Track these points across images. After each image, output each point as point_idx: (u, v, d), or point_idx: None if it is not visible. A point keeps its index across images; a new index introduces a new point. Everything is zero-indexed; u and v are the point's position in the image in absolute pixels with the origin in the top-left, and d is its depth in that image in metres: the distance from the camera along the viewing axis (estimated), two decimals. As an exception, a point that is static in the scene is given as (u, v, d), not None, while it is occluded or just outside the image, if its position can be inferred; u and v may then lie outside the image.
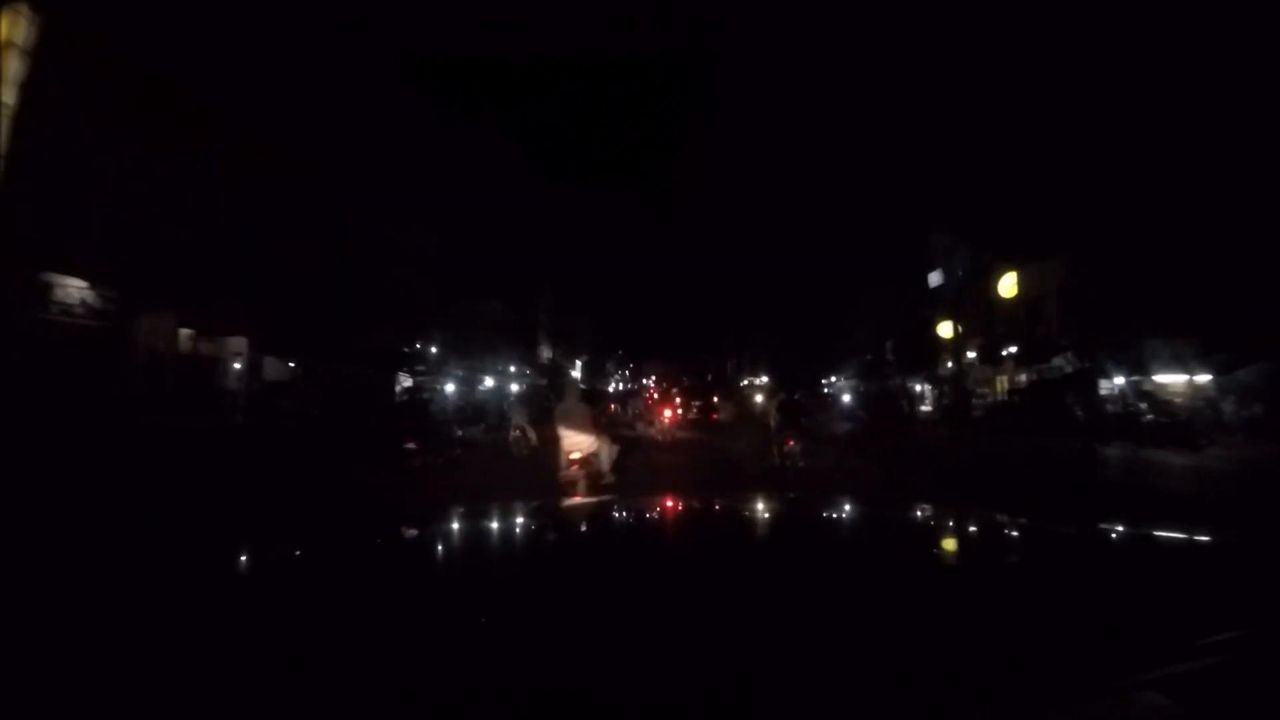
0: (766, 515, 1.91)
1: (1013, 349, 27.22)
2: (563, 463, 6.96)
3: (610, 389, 68.40)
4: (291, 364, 19.41)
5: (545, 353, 50.25)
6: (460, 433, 14.81)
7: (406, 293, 21.77)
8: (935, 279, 38.21)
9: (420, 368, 20.02)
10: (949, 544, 1.56)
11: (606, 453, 7.27)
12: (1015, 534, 1.56)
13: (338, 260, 19.68)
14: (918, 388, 28.41)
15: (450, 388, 20.02)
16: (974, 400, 27.07)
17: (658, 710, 0.67)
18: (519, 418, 13.16)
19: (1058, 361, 22.31)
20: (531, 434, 12.77)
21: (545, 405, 21.72)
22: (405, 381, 19.61)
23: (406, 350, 21.38)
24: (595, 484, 6.98)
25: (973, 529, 1.64)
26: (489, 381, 24.76)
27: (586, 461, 6.97)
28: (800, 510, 2.09)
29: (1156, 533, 1.37)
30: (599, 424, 7.48)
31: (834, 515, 1.91)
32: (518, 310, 40.65)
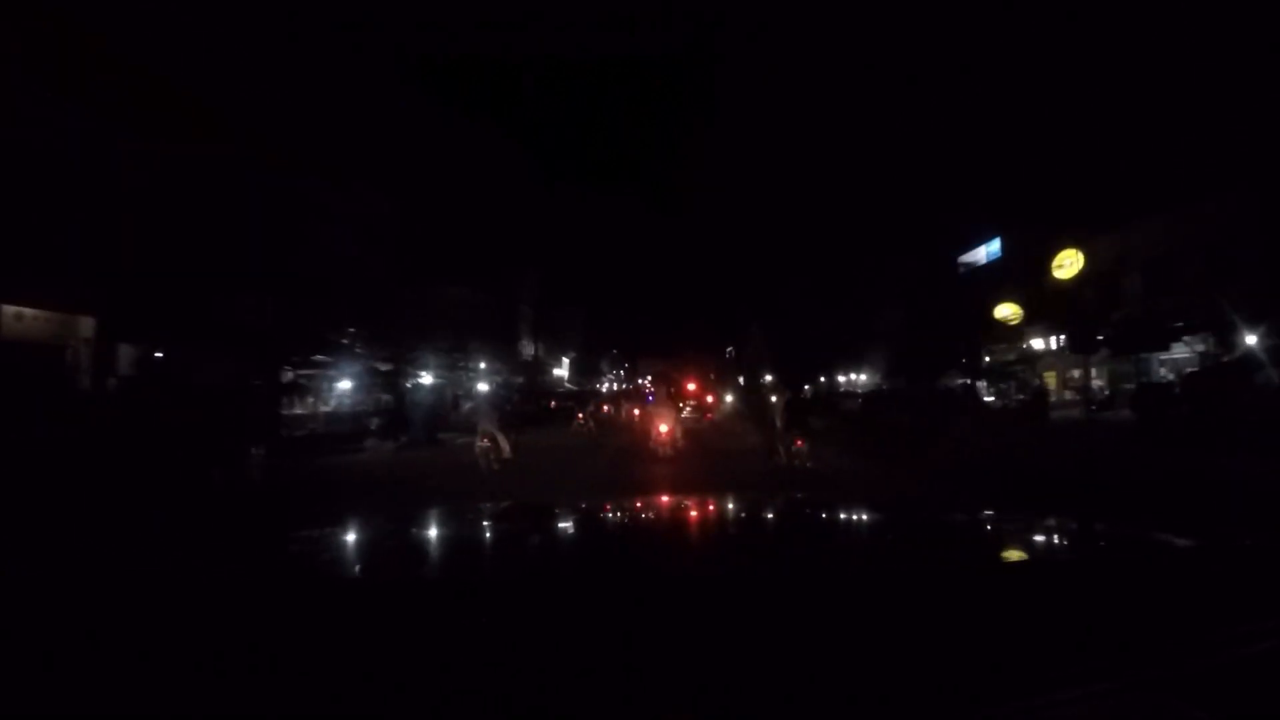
0: (763, 515, 1.94)
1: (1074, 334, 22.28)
2: (654, 434, 12.40)
3: (604, 389, 64.73)
4: (158, 354, 14.48)
5: (528, 349, 45.15)
6: (255, 464, 9.80)
7: (316, 263, 16.76)
8: (970, 258, 33.61)
9: (319, 357, 14.98)
10: (950, 544, 1.50)
11: (679, 430, 13.00)
12: (1016, 534, 1.56)
13: (221, 221, 14.71)
14: (970, 384, 23.60)
15: (345, 384, 15.06)
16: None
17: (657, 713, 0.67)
18: (488, 423, 10.72)
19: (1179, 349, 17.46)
20: (504, 443, 10.56)
21: (511, 408, 16.84)
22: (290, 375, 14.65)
23: (333, 336, 16.32)
24: (674, 446, 12.31)
25: (973, 529, 1.65)
26: (426, 378, 19.53)
27: (670, 433, 12.35)
28: (798, 510, 2.08)
29: (1159, 533, 1.32)
30: (677, 411, 14.18)
31: (835, 515, 1.91)
32: (494, 299, 35.62)
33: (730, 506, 2.09)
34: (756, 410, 20.34)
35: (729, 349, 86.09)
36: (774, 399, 11.49)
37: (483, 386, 26.99)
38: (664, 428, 12.17)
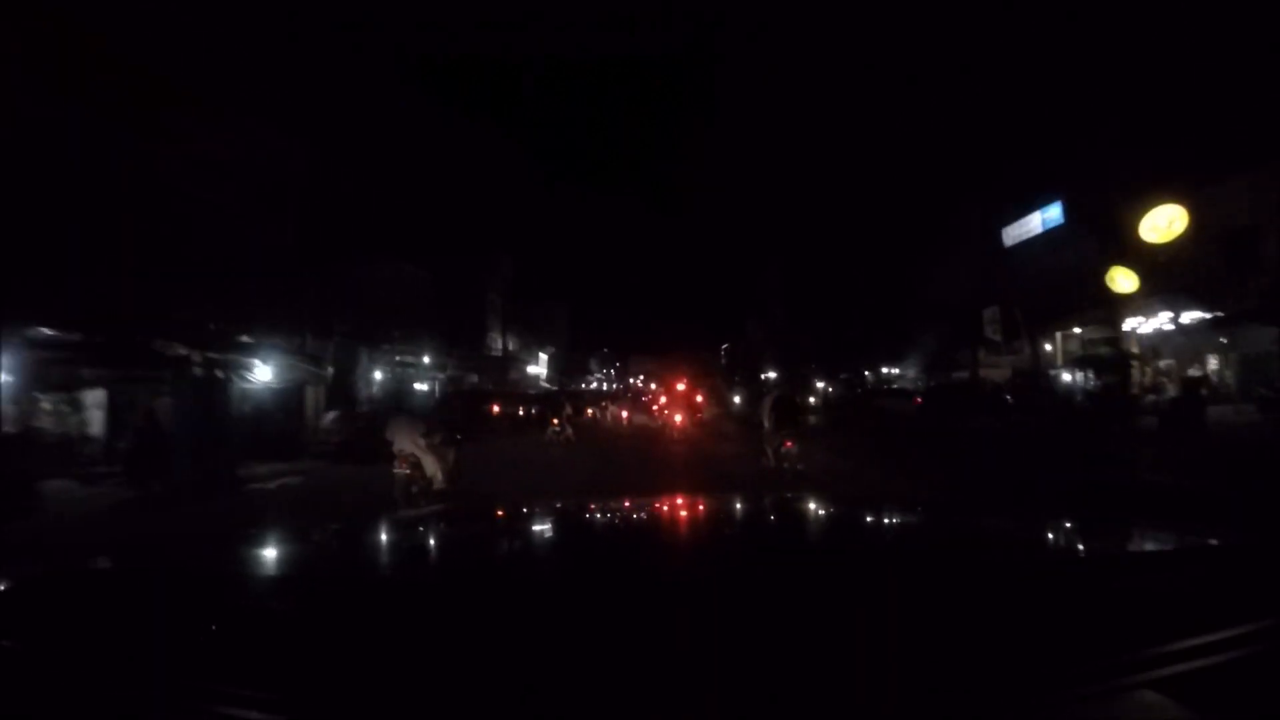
0: (755, 514, 1.90)
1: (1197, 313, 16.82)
2: (670, 423, 19.66)
3: (591, 388, 59.85)
4: None
5: (497, 342, 39.24)
6: None
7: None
8: (1019, 230, 28.15)
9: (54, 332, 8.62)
10: (946, 544, 1.48)
11: (688, 420, 20.49)
12: (1012, 533, 1.52)
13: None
14: (1066, 376, 18.07)
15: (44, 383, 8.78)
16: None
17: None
18: (406, 440, 7.33)
19: None
20: (434, 467, 7.29)
21: (447, 418, 11.31)
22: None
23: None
24: (684, 431, 18.57)
25: (969, 529, 1.59)
26: (263, 373, 12.78)
27: (683, 422, 19.30)
28: (788, 509, 2.02)
29: (1154, 531, 1.33)
30: (686, 407, 22.32)
31: (824, 514, 1.87)
32: (450, 282, 29.65)
33: (720, 507, 2.04)
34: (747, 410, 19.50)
35: (724, 347, 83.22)
36: (764, 398, 10.53)
37: (421, 386, 21.16)
38: (678, 418, 18.74)
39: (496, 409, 19.92)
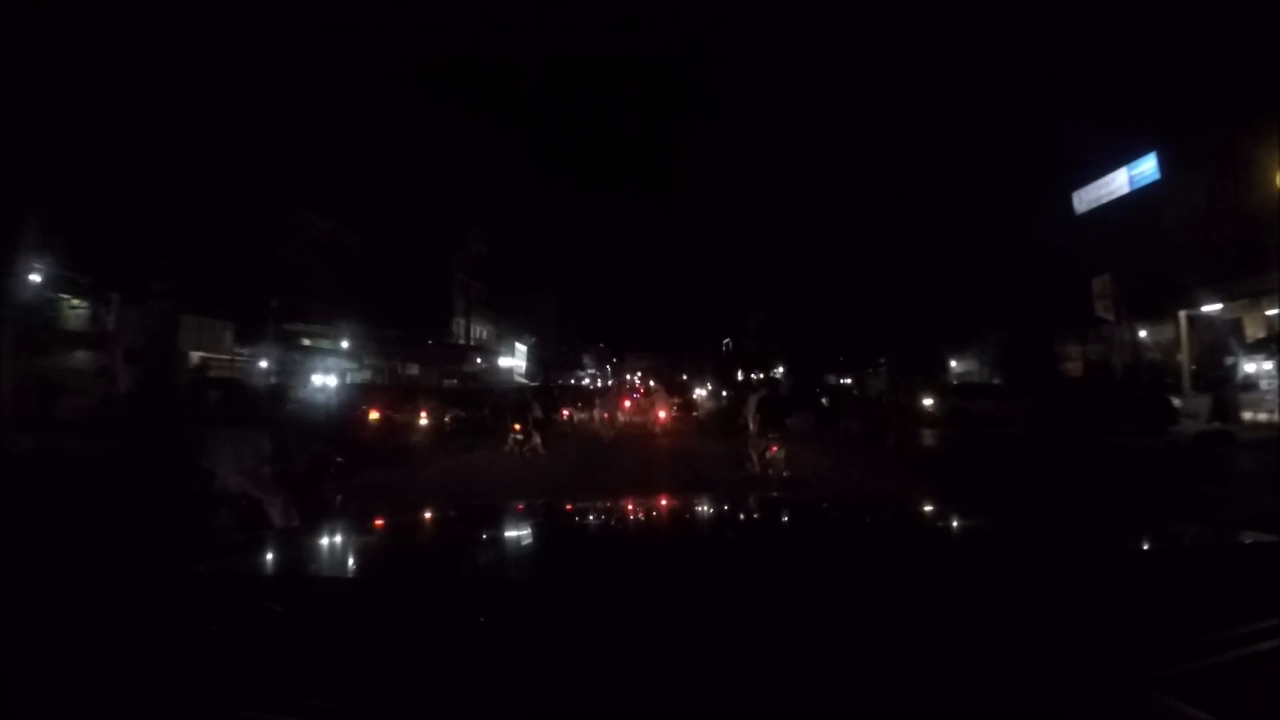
0: (741, 516, 1.85)
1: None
2: (653, 418, 17.90)
3: (584, 384, 55.50)
4: None
5: (460, 327, 33.80)
6: None
7: None
8: (1095, 193, 22.98)
9: None
10: (944, 545, 1.48)
11: (670, 416, 19.17)
12: (1011, 532, 1.50)
13: None
14: (1248, 366, 12.79)
15: None
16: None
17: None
18: (232, 474, 4.52)
19: None
20: (286, 514, 4.75)
21: (333, 430, 6.51)
22: None
23: None
24: (665, 426, 17.96)
25: (968, 529, 1.58)
26: None
27: (667, 418, 18.19)
28: (780, 511, 1.98)
29: (1158, 532, 1.31)
30: (670, 405, 20.09)
31: (819, 515, 1.83)
32: (393, 253, 24.27)
33: (716, 506, 2.00)
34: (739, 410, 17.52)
35: (725, 341, 78.76)
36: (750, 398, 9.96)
37: (326, 379, 15.85)
38: (662, 414, 18.07)
39: (375, 415, 13.86)
